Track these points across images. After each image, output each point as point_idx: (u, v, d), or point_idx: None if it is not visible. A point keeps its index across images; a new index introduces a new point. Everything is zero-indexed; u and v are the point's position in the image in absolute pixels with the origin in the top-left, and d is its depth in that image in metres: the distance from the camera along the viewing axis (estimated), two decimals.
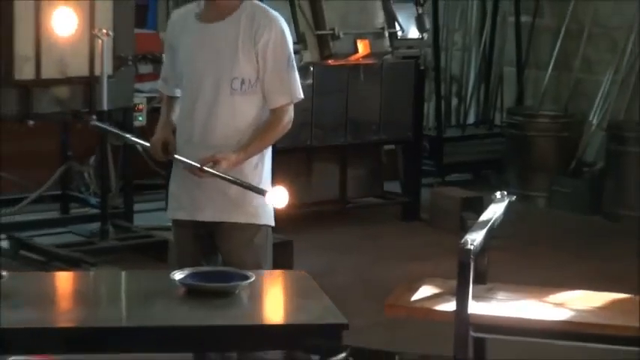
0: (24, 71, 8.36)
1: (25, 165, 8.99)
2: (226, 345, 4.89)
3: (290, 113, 5.28)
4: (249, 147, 5.17)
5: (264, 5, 5.42)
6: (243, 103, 5.20)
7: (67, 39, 8.44)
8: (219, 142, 5.18)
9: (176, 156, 5.19)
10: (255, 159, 5.29)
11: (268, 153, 5.48)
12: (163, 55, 5.71)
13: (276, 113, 5.23)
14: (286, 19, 8.77)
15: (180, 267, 4.83)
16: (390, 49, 9.71)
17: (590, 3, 10.66)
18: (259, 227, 5.37)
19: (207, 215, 5.24)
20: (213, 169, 4.93)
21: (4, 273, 4.73)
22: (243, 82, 5.17)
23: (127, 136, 5.80)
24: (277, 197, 5.08)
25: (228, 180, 4.99)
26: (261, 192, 5.06)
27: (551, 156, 10.44)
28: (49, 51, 8.34)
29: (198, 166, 4.97)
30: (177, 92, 5.45)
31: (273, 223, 5.48)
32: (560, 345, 5.49)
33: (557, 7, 10.96)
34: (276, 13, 5.36)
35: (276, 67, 5.21)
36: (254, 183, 5.22)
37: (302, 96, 5.35)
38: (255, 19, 5.25)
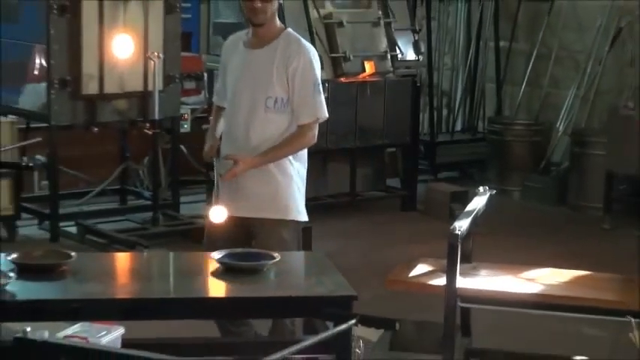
0: (90, 87, 8.42)
1: (90, 165, 9.03)
2: (255, 313, 4.96)
3: (314, 130, 5.33)
4: (268, 154, 5.20)
5: (298, 36, 5.44)
6: (275, 118, 5.24)
7: (125, 60, 8.49)
8: (254, 150, 5.21)
9: (217, 160, 5.24)
10: (290, 170, 5.36)
11: (303, 168, 5.52)
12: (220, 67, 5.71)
13: (301, 129, 5.26)
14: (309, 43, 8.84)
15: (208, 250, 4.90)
16: (391, 69, 9.69)
17: (557, 31, 10.65)
18: (287, 222, 5.37)
19: (242, 212, 5.27)
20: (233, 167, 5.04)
21: (73, 254, 4.79)
22: (276, 101, 5.22)
23: None
24: (215, 214, 5.12)
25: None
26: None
27: (525, 157, 10.44)
28: (110, 70, 8.39)
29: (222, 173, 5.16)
30: (226, 104, 5.48)
31: (303, 218, 5.49)
32: (532, 313, 5.53)
33: (529, 34, 10.96)
34: (307, 44, 5.45)
35: (303, 90, 5.23)
36: (284, 196, 5.33)
37: (326, 115, 5.42)
38: (289, 48, 5.28)
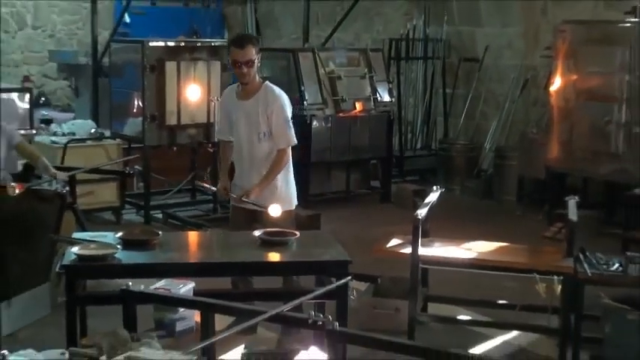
0: (171, 120, 8.45)
1: (171, 172, 9.01)
2: (283, 272, 5.06)
3: (288, 153, 5.38)
4: (263, 182, 5.27)
5: (273, 87, 5.45)
6: (264, 145, 5.32)
7: (194, 102, 8.50)
8: (255, 165, 5.35)
9: (232, 195, 5.41)
10: (281, 176, 5.39)
11: (289, 172, 5.51)
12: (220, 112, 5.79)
13: (280, 152, 5.29)
14: (314, 91, 8.83)
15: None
16: (373, 107, 9.67)
17: (485, 82, 10.62)
18: (289, 212, 5.40)
19: (251, 206, 5.29)
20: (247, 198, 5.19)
21: (159, 232, 4.78)
22: (264, 134, 5.30)
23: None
24: (274, 210, 5.09)
25: (252, 203, 5.21)
26: (264, 207, 5.14)
27: (463, 166, 10.38)
28: (184, 108, 8.42)
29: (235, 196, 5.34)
30: (230, 137, 5.50)
31: (295, 204, 5.61)
32: (470, 272, 5.50)
33: (466, 83, 10.91)
34: (280, 92, 5.44)
35: (278, 126, 5.29)
36: (280, 193, 5.38)
37: (296, 142, 5.44)
38: (267, 97, 5.34)
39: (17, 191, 6.09)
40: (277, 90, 5.41)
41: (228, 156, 5.62)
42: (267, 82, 5.50)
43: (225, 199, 5.51)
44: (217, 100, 8.40)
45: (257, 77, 5.39)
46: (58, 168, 7.17)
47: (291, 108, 5.50)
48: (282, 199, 5.32)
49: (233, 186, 5.51)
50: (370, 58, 9.94)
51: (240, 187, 5.38)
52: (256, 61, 5.28)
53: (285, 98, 5.39)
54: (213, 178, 6.91)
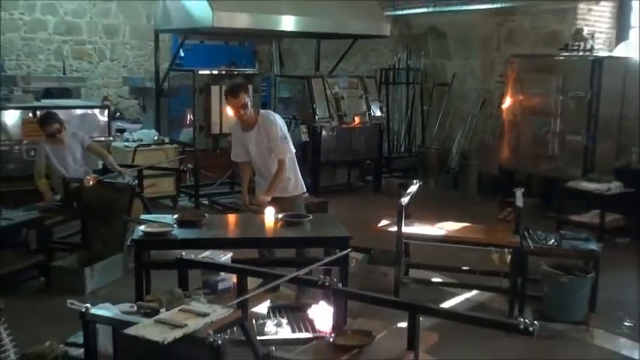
0: (215, 129, 8.38)
1: (215, 169, 9.01)
2: (300, 245, 5.01)
3: (285, 163, 5.25)
4: (269, 190, 5.22)
5: (267, 113, 5.40)
6: (271, 158, 5.24)
7: (233, 115, 8.46)
8: (268, 171, 5.30)
9: (250, 207, 5.34)
10: (290, 174, 5.37)
11: (297, 169, 5.48)
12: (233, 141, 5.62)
13: (279, 162, 5.22)
14: (323, 108, 8.81)
15: None
16: (368, 120, 9.62)
17: (452, 101, 10.56)
18: (300, 195, 5.48)
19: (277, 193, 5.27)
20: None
21: (206, 215, 4.77)
22: (270, 150, 5.20)
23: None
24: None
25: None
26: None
27: (436, 165, 10.29)
28: (225, 120, 8.33)
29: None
30: (244, 159, 5.43)
31: (304, 189, 5.60)
32: (441, 245, 5.47)
33: (439, 102, 10.84)
34: (273, 116, 5.34)
35: (276, 143, 5.19)
36: (291, 183, 5.39)
37: (290, 154, 5.32)
38: (264, 123, 5.23)
39: (91, 182, 6.13)
40: (271, 116, 5.33)
41: (245, 173, 5.54)
42: (261, 111, 5.40)
43: (245, 211, 5.40)
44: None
45: (252, 111, 5.24)
46: (127, 166, 7.21)
47: (285, 126, 5.40)
48: (293, 187, 5.37)
49: (257, 183, 5.52)
50: (365, 83, 9.90)
51: (262, 184, 5.38)
52: (249, 102, 5.19)
53: (277, 120, 5.28)
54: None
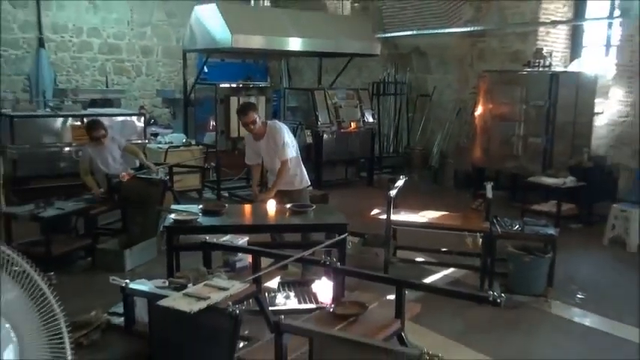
0: (233, 133, 8.37)
1: (233, 167, 8.93)
2: (305, 230, 4.97)
3: (287, 164, 5.21)
4: (272, 187, 5.22)
5: (274, 124, 5.34)
6: (277, 160, 5.17)
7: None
8: (276, 170, 5.26)
9: (259, 197, 5.29)
10: (295, 171, 5.34)
11: (302, 167, 5.43)
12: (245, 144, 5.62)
13: (282, 163, 5.19)
14: (324, 115, 8.75)
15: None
16: (362, 125, 9.60)
17: (433, 109, 10.55)
18: (305, 188, 5.44)
19: (282, 187, 5.26)
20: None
21: (226, 205, 4.76)
22: (279, 155, 5.13)
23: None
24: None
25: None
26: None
27: (420, 163, 10.29)
28: (242, 126, 8.31)
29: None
30: (255, 162, 5.45)
31: (308, 183, 5.54)
32: (424, 230, 5.46)
33: (421, 110, 10.80)
34: (277, 127, 5.26)
35: (279, 148, 5.16)
36: (297, 178, 5.35)
37: (288, 157, 5.22)
38: (271, 132, 5.21)
39: (126, 178, 6.14)
40: (277, 125, 5.31)
41: (255, 173, 5.60)
42: (268, 122, 5.39)
43: (256, 201, 5.36)
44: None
45: (260, 124, 5.24)
46: (159, 164, 7.21)
47: (289, 132, 5.37)
48: (299, 182, 5.36)
49: (269, 178, 5.56)
50: (360, 94, 9.87)
51: (272, 179, 5.38)
52: (257, 118, 5.18)
53: (282, 128, 5.26)
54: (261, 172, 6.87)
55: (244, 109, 5.24)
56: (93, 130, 6.43)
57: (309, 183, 5.59)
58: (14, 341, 1.64)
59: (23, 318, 1.69)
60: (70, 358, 1.77)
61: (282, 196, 5.21)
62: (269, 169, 5.45)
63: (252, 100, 8.48)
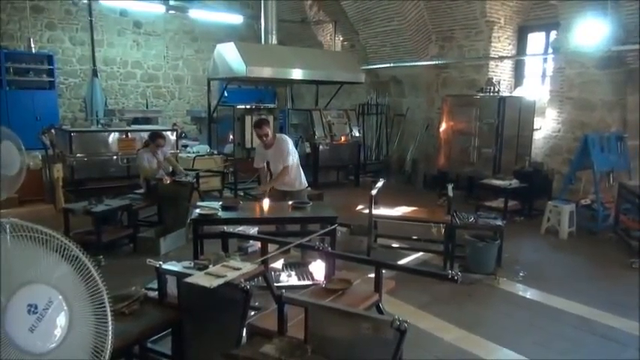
0: (247, 144, 8.33)
1: (247, 171, 8.82)
2: (304, 222, 4.90)
3: (287, 169, 5.12)
4: (270, 183, 5.14)
5: (281, 137, 5.24)
6: (280, 165, 5.09)
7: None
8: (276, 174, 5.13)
9: (260, 187, 5.26)
10: (296, 176, 5.20)
11: (301, 172, 5.29)
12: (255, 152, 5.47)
13: (283, 168, 5.10)
14: (320, 130, 8.66)
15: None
16: (350, 138, 9.57)
17: (407, 125, 10.53)
18: (304, 189, 5.32)
19: (284, 188, 5.20)
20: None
21: (241, 202, 4.72)
22: (281, 161, 5.07)
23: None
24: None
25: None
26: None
27: (396, 168, 10.28)
28: (254, 139, 8.27)
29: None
30: (261, 165, 5.29)
31: (306, 184, 5.39)
32: (398, 222, 5.44)
33: (397, 126, 10.77)
34: (284, 139, 5.16)
35: (283, 156, 5.07)
36: (296, 181, 5.21)
37: (290, 164, 5.12)
38: (279, 143, 5.11)
39: (168, 181, 6.09)
40: (284, 138, 5.24)
41: (262, 173, 5.46)
42: (277, 135, 5.29)
43: (263, 195, 5.21)
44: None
45: (271, 136, 5.16)
46: (187, 169, 7.16)
47: (292, 144, 5.27)
48: (298, 184, 5.26)
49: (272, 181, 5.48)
50: (349, 114, 9.84)
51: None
52: (269, 132, 5.12)
53: (286, 141, 5.18)
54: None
55: (260, 124, 5.16)
56: (159, 138, 6.35)
57: (307, 184, 5.56)
58: (65, 310, 1.64)
59: (73, 292, 1.68)
60: (110, 323, 1.76)
61: (285, 195, 5.18)
62: (273, 173, 5.36)
63: (263, 118, 8.48)
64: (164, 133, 6.90)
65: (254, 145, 8.35)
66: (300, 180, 5.35)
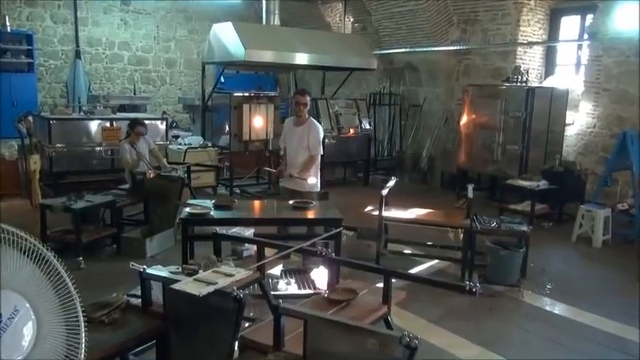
0: (245, 137, 8.31)
1: (245, 166, 8.93)
2: (305, 224, 4.88)
3: (317, 157, 5.15)
4: (302, 171, 5.08)
5: (314, 121, 5.25)
6: (305, 152, 5.09)
7: (258, 127, 8.40)
8: (298, 162, 5.13)
9: (289, 175, 5.14)
10: (312, 172, 5.18)
11: (318, 172, 5.29)
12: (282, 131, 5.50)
13: (312, 156, 5.10)
14: (327, 122, 8.63)
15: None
16: (359, 131, 9.55)
17: (424, 117, 10.49)
18: (316, 192, 5.26)
19: (296, 187, 5.15)
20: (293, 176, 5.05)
21: (236, 200, 4.71)
22: (307, 147, 5.08)
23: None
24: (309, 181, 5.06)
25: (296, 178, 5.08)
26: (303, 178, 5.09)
27: (410, 165, 10.21)
28: (253, 130, 8.29)
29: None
30: (284, 146, 5.30)
31: (319, 189, 5.35)
32: (411, 226, 5.42)
33: (413, 118, 10.73)
34: (317, 125, 5.20)
35: (314, 143, 5.07)
36: (312, 184, 5.19)
37: (321, 152, 5.20)
38: (310, 126, 5.11)
39: (152, 175, 6.11)
40: (317, 123, 5.26)
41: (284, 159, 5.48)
42: (311, 117, 5.33)
43: (280, 177, 5.33)
44: (272, 125, 8.42)
45: (307, 115, 5.22)
46: (177, 163, 7.17)
47: (323, 134, 5.33)
48: (311, 186, 5.21)
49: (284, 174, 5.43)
50: (358, 104, 9.81)
51: (289, 169, 5.27)
52: (308, 104, 5.18)
53: (320, 128, 5.21)
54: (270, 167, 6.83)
55: (303, 91, 5.26)
56: (138, 126, 6.40)
57: (319, 189, 5.45)
58: (33, 319, 1.62)
59: (43, 299, 1.67)
60: (84, 334, 1.74)
61: (294, 196, 5.10)
62: (289, 161, 5.26)
63: (262, 107, 8.47)
64: (145, 120, 6.90)
65: (252, 138, 8.40)
66: (317, 182, 5.30)
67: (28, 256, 1.64)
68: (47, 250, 1.70)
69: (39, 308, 1.64)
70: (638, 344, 3.79)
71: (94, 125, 7.78)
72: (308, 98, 5.16)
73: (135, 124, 6.49)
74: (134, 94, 11.67)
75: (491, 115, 8.22)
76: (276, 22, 9.26)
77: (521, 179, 7.33)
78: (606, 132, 7.89)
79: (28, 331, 1.60)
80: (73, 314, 1.71)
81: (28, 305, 1.60)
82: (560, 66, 8.94)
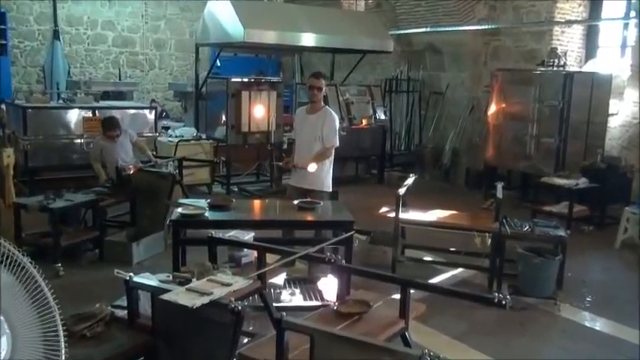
0: (244, 128, 8.32)
1: (243, 161, 8.97)
2: (313, 227, 4.90)
3: (332, 150, 5.20)
4: (314, 159, 5.12)
5: (330, 110, 5.32)
6: (317, 144, 5.14)
7: (259, 117, 8.41)
8: (308, 153, 5.18)
9: (293, 166, 5.27)
10: (325, 168, 5.23)
11: (330, 167, 5.32)
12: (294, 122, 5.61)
13: (327, 148, 5.15)
14: (336, 111, 8.71)
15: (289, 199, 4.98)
16: (373, 122, 9.58)
17: (446, 106, 10.47)
18: (327, 192, 5.28)
19: (305, 185, 5.20)
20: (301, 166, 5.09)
21: (234, 200, 4.73)
22: (318, 137, 5.13)
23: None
24: (312, 167, 5.13)
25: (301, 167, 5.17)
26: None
27: (431, 161, 10.22)
28: (253, 121, 8.31)
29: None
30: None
31: (330, 188, 5.36)
32: (432, 229, 5.41)
33: (434, 107, 10.75)
34: (333, 114, 5.27)
35: (330, 133, 5.12)
36: (323, 180, 5.25)
37: (337, 144, 5.25)
38: (325, 115, 5.17)
39: (132, 171, 6.18)
40: (332, 112, 5.32)
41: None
42: (326, 106, 5.39)
43: (287, 168, 5.45)
44: (273, 116, 8.43)
45: (322, 102, 5.28)
46: (168, 157, 7.22)
47: (339, 124, 5.39)
48: (322, 184, 5.26)
49: (292, 173, 5.49)
50: (372, 91, 9.84)
51: (295, 172, 5.34)
52: (324, 89, 5.23)
53: (336, 117, 5.27)
54: (271, 167, 6.86)
55: (318, 74, 5.32)
56: (109, 129, 6.53)
57: (330, 189, 5.46)
58: (7, 333, 1.63)
59: (17, 311, 1.68)
60: (64, 350, 1.76)
61: (304, 195, 5.11)
62: (298, 155, 5.30)
63: (264, 95, 8.48)
64: (131, 110, 6.98)
65: (252, 129, 8.42)
66: (329, 180, 5.33)
67: (0, 262, 1.65)
68: (22, 255, 1.72)
69: (14, 321, 1.65)
70: None
71: (74, 115, 7.83)
72: (323, 82, 5.21)
73: (105, 125, 6.61)
74: (119, 79, 11.75)
75: (523, 104, 8.20)
76: None
77: (557, 177, 7.30)
78: None
79: (2, 347, 1.61)
80: (51, 327, 1.72)
81: (2, 318, 1.61)
82: (603, 48, 8.89)
